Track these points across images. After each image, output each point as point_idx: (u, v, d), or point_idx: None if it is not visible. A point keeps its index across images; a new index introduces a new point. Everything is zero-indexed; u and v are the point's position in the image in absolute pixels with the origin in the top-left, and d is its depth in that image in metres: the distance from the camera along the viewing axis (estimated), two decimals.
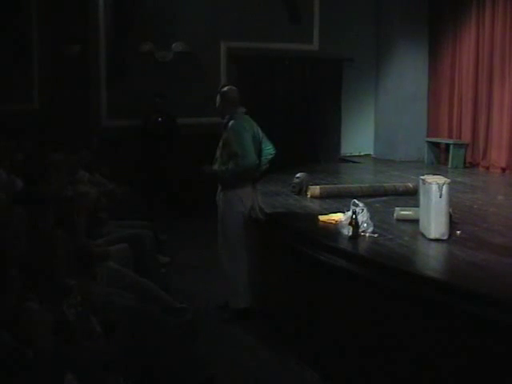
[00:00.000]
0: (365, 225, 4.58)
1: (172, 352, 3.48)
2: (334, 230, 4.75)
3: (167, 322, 3.91)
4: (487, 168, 9.59)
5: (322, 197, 6.19)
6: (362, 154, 11.48)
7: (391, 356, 3.81)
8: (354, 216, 4.49)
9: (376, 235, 4.55)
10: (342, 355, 4.25)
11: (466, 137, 10.10)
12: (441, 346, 3.52)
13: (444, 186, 4.42)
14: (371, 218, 4.68)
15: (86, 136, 8.79)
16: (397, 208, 5.30)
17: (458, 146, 9.92)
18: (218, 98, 5.71)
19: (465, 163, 9.93)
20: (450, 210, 4.68)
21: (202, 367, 3.89)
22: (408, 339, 3.74)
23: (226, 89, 5.69)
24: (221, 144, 5.59)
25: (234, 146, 5.33)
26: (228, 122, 5.52)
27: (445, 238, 4.50)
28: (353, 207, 4.61)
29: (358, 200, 4.81)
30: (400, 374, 3.77)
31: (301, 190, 6.40)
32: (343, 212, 4.84)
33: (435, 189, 4.41)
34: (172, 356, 3.44)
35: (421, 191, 4.72)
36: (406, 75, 10.88)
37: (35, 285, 2.44)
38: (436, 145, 10.53)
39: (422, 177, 4.73)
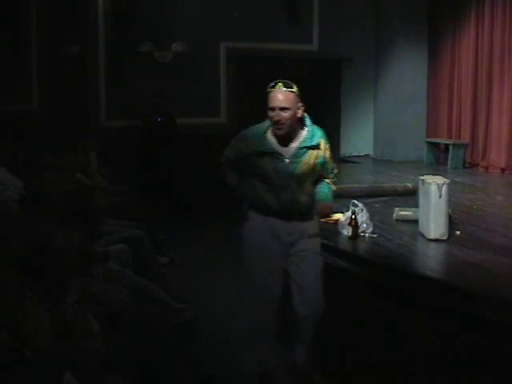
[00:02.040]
0: (364, 225, 4.58)
1: (171, 352, 3.47)
2: (333, 230, 4.75)
3: (167, 322, 3.91)
4: (486, 168, 9.60)
5: None
6: (361, 154, 11.49)
7: (390, 355, 3.81)
8: (353, 216, 4.50)
9: (375, 235, 4.56)
10: (341, 355, 4.24)
11: (466, 137, 10.11)
12: (440, 345, 3.52)
13: (443, 187, 4.43)
14: (371, 218, 4.69)
15: (85, 136, 8.78)
16: (396, 208, 5.31)
17: (457, 146, 9.92)
18: (285, 101, 3.76)
19: (464, 163, 9.94)
20: (450, 211, 4.68)
21: (201, 367, 3.89)
22: (407, 339, 3.74)
23: (295, 88, 3.81)
24: (300, 168, 3.82)
25: (329, 161, 3.97)
26: (305, 133, 3.89)
27: (444, 238, 4.50)
28: (352, 207, 4.61)
29: (358, 200, 4.82)
30: (400, 374, 3.77)
31: None
32: (343, 212, 4.85)
33: (434, 189, 4.42)
34: (171, 356, 3.44)
35: (420, 191, 4.72)
36: (406, 76, 10.88)
37: (34, 284, 2.43)
38: (435, 145, 10.54)
39: (421, 177, 4.73)
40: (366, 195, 6.12)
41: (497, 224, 5.50)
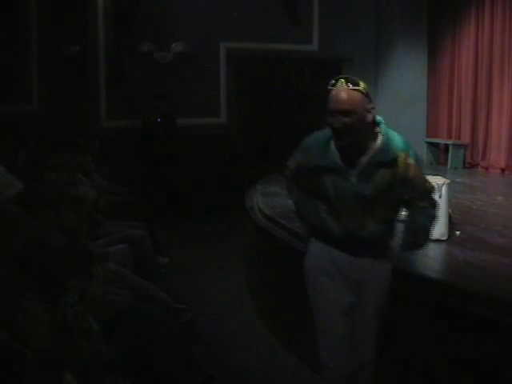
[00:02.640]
0: None
1: (171, 352, 3.47)
2: None
3: (167, 323, 3.91)
4: (486, 168, 9.60)
5: None
6: None
7: (389, 356, 3.80)
8: None
9: None
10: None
11: (466, 137, 10.11)
12: (439, 346, 3.52)
13: (443, 187, 4.43)
14: None
15: (85, 137, 8.78)
16: None
17: (457, 146, 9.93)
18: (348, 102, 3.03)
19: (464, 164, 9.94)
20: (450, 211, 4.68)
21: (201, 367, 3.89)
22: (407, 339, 3.74)
23: (362, 85, 3.08)
24: (370, 190, 3.07)
25: (417, 181, 3.14)
26: (378, 144, 3.10)
27: (444, 238, 4.50)
28: None
29: None
30: (399, 374, 3.76)
31: None
32: None
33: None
34: (171, 356, 3.44)
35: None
36: (406, 76, 10.88)
37: (33, 285, 2.43)
38: (435, 145, 10.55)
39: None
40: None
41: (497, 224, 5.49)
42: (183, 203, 9.48)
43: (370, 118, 3.06)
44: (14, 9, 9.13)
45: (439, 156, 10.52)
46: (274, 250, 5.31)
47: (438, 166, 10.08)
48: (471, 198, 6.65)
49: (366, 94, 3.05)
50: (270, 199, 6.26)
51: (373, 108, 3.10)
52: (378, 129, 3.13)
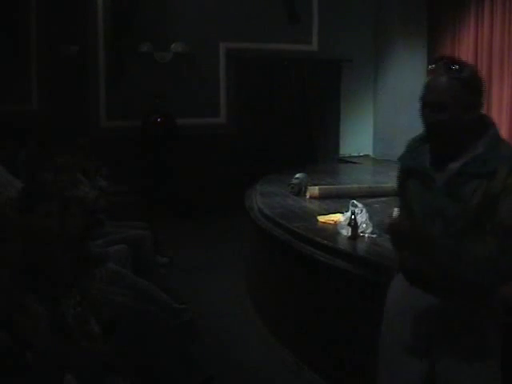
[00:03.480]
0: (364, 225, 4.57)
1: (171, 352, 3.48)
2: (333, 230, 4.74)
3: (166, 323, 3.91)
4: None
5: (320, 197, 6.18)
6: (360, 154, 11.48)
7: None
8: (353, 217, 4.49)
9: (375, 236, 4.54)
10: (341, 355, 4.25)
11: None
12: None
13: None
14: (370, 218, 4.68)
15: (85, 137, 8.79)
16: (396, 208, 5.26)
17: None
18: (443, 93, 2.36)
19: None
20: None
21: (200, 367, 3.89)
22: None
23: (467, 71, 2.37)
24: (454, 206, 2.41)
25: None
26: (478, 150, 2.41)
27: None
28: (352, 208, 4.60)
29: (357, 200, 4.81)
30: None
31: (300, 191, 6.39)
32: (342, 213, 4.84)
33: None
34: (171, 356, 3.44)
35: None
36: (405, 75, 10.86)
37: (34, 285, 2.43)
38: None
39: None
40: (365, 195, 6.10)
41: None
42: (183, 203, 9.49)
43: (470, 116, 2.37)
44: (13, 9, 9.13)
45: None
46: (274, 250, 5.31)
47: None
48: None
49: (469, 85, 2.34)
50: (269, 199, 6.26)
51: (478, 104, 2.42)
52: (483, 131, 2.44)
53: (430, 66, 2.42)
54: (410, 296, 2.56)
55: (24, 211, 2.99)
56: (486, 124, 2.47)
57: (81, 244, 2.66)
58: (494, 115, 9.45)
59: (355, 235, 4.47)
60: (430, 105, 2.37)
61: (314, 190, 6.28)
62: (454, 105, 2.33)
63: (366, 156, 11.49)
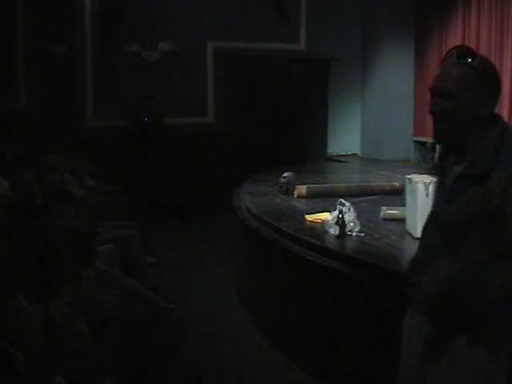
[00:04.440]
0: (351, 224, 4.59)
1: (160, 352, 3.48)
2: (320, 229, 4.76)
3: (155, 323, 3.91)
4: None
5: (308, 196, 6.20)
6: (348, 153, 11.51)
7: (378, 355, 3.82)
8: (340, 215, 4.51)
9: (363, 234, 4.57)
10: (330, 355, 4.26)
11: None
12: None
13: (430, 185, 4.44)
14: (358, 217, 4.70)
15: (73, 136, 8.76)
16: (383, 207, 5.32)
17: None
18: (452, 80, 2.17)
19: None
20: None
21: (190, 367, 3.90)
22: (395, 338, 3.76)
23: (478, 60, 2.16)
24: (449, 215, 2.19)
25: None
26: (484, 149, 2.14)
27: None
28: (339, 206, 4.62)
29: (345, 199, 4.83)
30: (388, 375, 3.78)
31: (287, 190, 6.41)
32: (330, 211, 4.85)
33: (421, 188, 4.43)
34: (160, 356, 3.44)
35: (407, 190, 4.74)
36: (393, 75, 10.91)
37: (23, 285, 2.43)
38: (422, 144, 10.58)
39: (408, 176, 4.75)
40: (353, 194, 6.13)
41: None
42: (171, 202, 9.48)
43: (481, 110, 2.13)
44: (0, 8, 9.09)
45: (426, 154, 10.55)
46: (262, 249, 5.32)
47: (425, 165, 10.11)
48: None
49: (482, 76, 2.11)
50: (257, 198, 6.27)
51: (491, 100, 2.16)
52: (495, 129, 2.15)
53: (447, 53, 2.23)
54: (414, 321, 2.41)
55: (13, 210, 2.99)
56: (496, 123, 2.17)
57: (70, 243, 2.66)
58: None
59: (343, 234, 4.49)
60: (437, 92, 2.20)
61: (301, 189, 6.29)
62: (462, 94, 2.12)
63: (354, 155, 11.52)
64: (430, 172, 2.34)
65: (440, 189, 2.34)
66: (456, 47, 2.21)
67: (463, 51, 2.16)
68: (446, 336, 2.19)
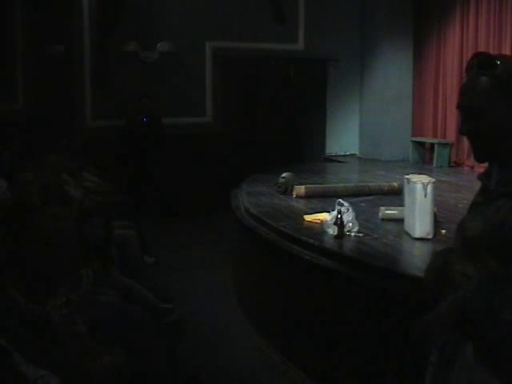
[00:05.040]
0: (350, 224, 4.59)
1: (157, 352, 3.47)
2: (319, 229, 4.76)
3: (153, 323, 3.90)
4: (472, 167, 9.62)
5: (307, 196, 6.20)
6: (347, 153, 11.51)
7: (377, 355, 3.82)
8: (339, 215, 4.50)
9: (361, 235, 4.57)
10: (327, 354, 4.26)
11: (451, 136, 10.14)
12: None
13: (429, 186, 4.44)
14: (356, 217, 4.70)
15: (71, 136, 8.76)
16: (382, 207, 5.32)
17: (442, 145, 9.96)
18: (475, 97, 1.95)
19: (449, 162, 9.97)
20: (435, 210, 4.70)
21: (187, 367, 3.89)
22: (394, 337, 3.76)
23: (502, 67, 1.92)
24: (475, 229, 1.92)
25: None
26: None
27: (430, 237, 4.52)
28: (338, 207, 4.62)
29: (344, 199, 4.83)
30: (387, 374, 3.78)
31: (286, 190, 6.41)
32: (328, 211, 4.85)
33: (420, 188, 4.43)
34: (157, 356, 3.43)
35: (406, 190, 4.73)
36: (391, 75, 10.91)
37: (20, 284, 2.43)
38: (421, 144, 10.58)
39: (406, 176, 4.75)
40: (351, 194, 6.13)
41: None
42: (169, 202, 9.48)
43: (509, 120, 1.92)
44: None
45: (425, 155, 10.56)
46: (260, 249, 5.32)
47: (424, 165, 10.11)
48: (456, 197, 6.67)
49: (510, 83, 1.91)
50: (256, 198, 6.27)
51: None
52: None
53: (468, 64, 2.01)
54: None
55: (10, 211, 2.98)
56: None
57: (67, 244, 2.65)
58: None
59: (341, 234, 4.48)
60: (462, 110, 1.99)
61: (300, 189, 6.29)
62: (490, 110, 1.91)
63: (353, 155, 11.52)
64: (479, 178, 2.11)
65: (482, 199, 2.08)
66: (476, 56, 1.99)
67: (483, 61, 1.95)
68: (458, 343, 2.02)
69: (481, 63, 1.94)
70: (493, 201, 1.91)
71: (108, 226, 4.30)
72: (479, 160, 2.05)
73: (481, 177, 2.12)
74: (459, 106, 2.00)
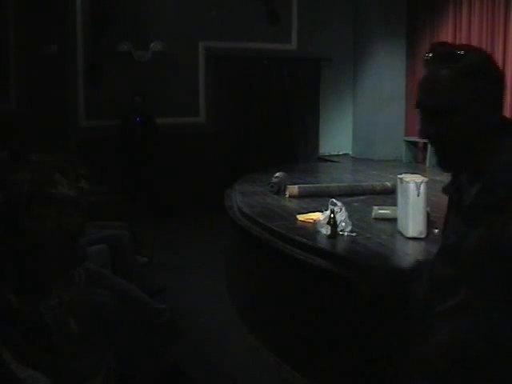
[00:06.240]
0: (343, 224, 4.59)
1: (151, 352, 3.47)
2: (312, 229, 4.75)
3: (146, 323, 3.90)
4: None
5: (300, 196, 6.19)
6: (340, 153, 11.53)
7: (371, 353, 3.82)
8: (332, 215, 4.50)
9: (354, 234, 4.57)
10: (321, 354, 4.26)
11: None
12: None
13: (422, 185, 4.45)
14: (349, 217, 4.70)
15: (63, 136, 8.74)
16: (375, 207, 5.32)
17: None
18: (433, 93, 1.72)
19: None
20: (428, 209, 4.70)
21: (178, 367, 3.89)
22: (388, 337, 3.76)
23: (473, 58, 1.68)
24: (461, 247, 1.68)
25: None
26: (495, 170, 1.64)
27: (422, 236, 4.52)
28: (331, 206, 4.62)
29: (337, 199, 4.83)
30: (382, 374, 3.78)
31: (279, 190, 6.40)
32: (321, 211, 4.85)
33: (413, 187, 4.44)
34: (150, 356, 3.44)
35: (398, 190, 4.74)
36: (384, 75, 10.93)
37: (12, 285, 2.42)
38: (414, 144, 10.60)
39: (399, 176, 4.75)
40: (344, 194, 6.13)
41: None
42: (162, 203, 9.47)
43: (485, 116, 1.68)
44: None
45: (418, 154, 10.58)
46: (253, 249, 5.32)
47: (417, 165, 10.13)
48: None
49: (476, 74, 1.66)
50: (249, 198, 6.26)
51: (494, 97, 1.70)
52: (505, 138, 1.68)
53: (425, 55, 1.76)
54: None
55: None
56: (499, 127, 1.70)
57: (60, 244, 2.64)
58: None
59: (334, 234, 4.48)
60: (424, 109, 1.78)
61: (293, 189, 6.29)
62: (456, 107, 1.68)
63: (346, 155, 11.54)
64: (444, 191, 1.94)
65: (454, 213, 1.86)
66: (435, 47, 1.75)
67: (445, 52, 1.71)
68: None
69: (442, 55, 1.70)
70: (473, 217, 1.66)
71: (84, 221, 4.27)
72: (446, 168, 1.83)
73: (447, 189, 1.92)
74: (419, 105, 1.80)
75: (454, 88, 1.66)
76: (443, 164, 1.81)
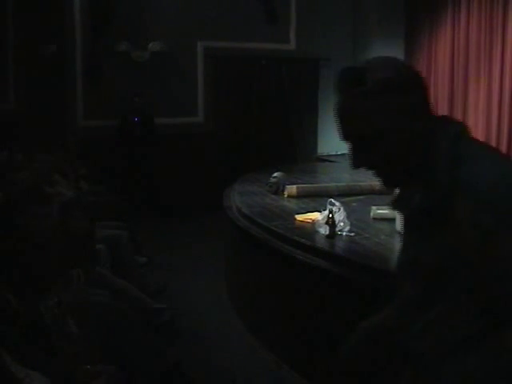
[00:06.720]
0: (341, 224, 4.59)
1: (149, 353, 3.47)
2: (310, 229, 4.76)
3: (145, 323, 3.90)
4: None
5: (298, 196, 6.19)
6: (338, 153, 11.51)
7: (367, 353, 3.82)
8: (330, 215, 4.51)
9: (353, 234, 4.57)
10: (319, 354, 4.26)
11: None
12: None
13: None
14: (348, 216, 4.70)
15: (62, 136, 8.74)
16: (373, 207, 5.32)
17: None
18: (355, 121, 1.73)
19: None
20: None
21: (179, 367, 3.89)
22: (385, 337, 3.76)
23: (376, 77, 1.63)
24: (433, 254, 1.64)
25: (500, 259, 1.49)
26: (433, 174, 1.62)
27: None
28: (329, 206, 4.62)
29: (335, 199, 4.83)
30: (375, 373, 3.78)
31: (278, 190, 6.40)
32: (320, 211, 4.86)
33: None
34: (150, 357, 3.44)
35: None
36: None
37: (11, 285, 2.42)
38: None
39: None
40: (343, 194, 6.13)
41: None
42: (162, 202, 9.47)
43: (410, 124, 1.65)
44: None
45: None
46: (252, 249, 5.32)
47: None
48: None
49: (385, 91, 1.62)
50: (247, 198, 6.26)
51: (411, 104, 1.65)
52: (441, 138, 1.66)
53: (334, 84, 1.75)
54: None
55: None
56: (446, 129, 1.69)
57: (59, 245, 2.64)
58: (470, 116, 9.53)
59: (333, 234, 4.49)
60: (354, 140, 1.78)
61: (292, 189, 6.29)
62: (379, 130, 1.64)
63: (344, 155, 11.52)
64: (390, 207, 1.94)
65: (407, 227, 1.85)
66: (341, 74, 1.71)
67: (350, 78, 1.68)
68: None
69: (348, 82, 1.68)
70: (422, 219, 1.67)
71: (92, 224, 4.28)
72: (393, 186, 1.86)
73: (396, 204, 1.89)
74: (347, 137, 1.78)
75: (369, 113, 1.63)
76: (388, 183, 1.81)
